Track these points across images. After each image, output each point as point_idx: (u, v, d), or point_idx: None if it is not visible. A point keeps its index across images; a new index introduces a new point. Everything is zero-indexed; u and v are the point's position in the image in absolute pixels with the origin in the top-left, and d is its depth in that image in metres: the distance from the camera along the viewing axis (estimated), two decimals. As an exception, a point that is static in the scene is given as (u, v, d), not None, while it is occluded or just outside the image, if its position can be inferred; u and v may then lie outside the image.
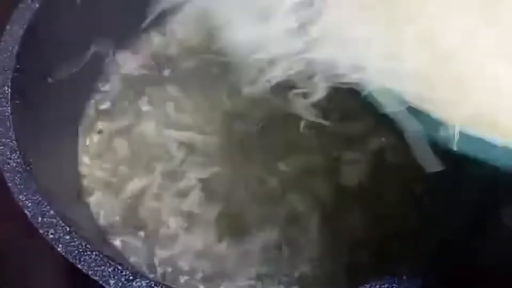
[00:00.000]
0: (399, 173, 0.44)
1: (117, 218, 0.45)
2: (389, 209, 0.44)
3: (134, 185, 0.46)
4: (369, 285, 0.31)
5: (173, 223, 0.44)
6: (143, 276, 0.31)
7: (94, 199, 0.46)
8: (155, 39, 0.54)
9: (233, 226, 0.43)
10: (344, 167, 0.45)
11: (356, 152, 0.46)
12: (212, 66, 0.50)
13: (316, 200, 0.44)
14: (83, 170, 0.47)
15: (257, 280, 0.41)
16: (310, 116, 0.35)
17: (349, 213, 0.43)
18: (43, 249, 0.33)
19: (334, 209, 0.44)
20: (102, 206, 0.45)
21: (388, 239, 0.42)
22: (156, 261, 0.43)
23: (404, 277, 0.31)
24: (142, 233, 0.44)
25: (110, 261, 0.32)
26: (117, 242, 0.44)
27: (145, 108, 0.50)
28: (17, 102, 0.38)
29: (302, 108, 0.34)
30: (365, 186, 0.45)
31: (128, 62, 0.52)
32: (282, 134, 0.47)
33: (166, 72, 0.52)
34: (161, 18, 0.50)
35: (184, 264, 0.43)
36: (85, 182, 0.46)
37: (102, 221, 0.45)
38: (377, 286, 0.31)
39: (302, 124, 0.43)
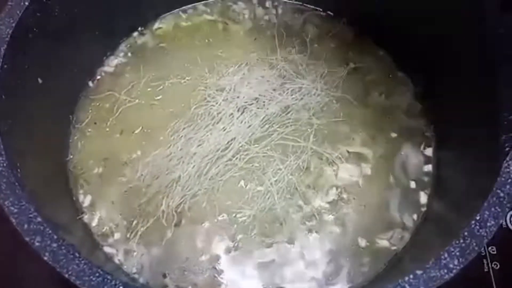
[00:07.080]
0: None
1: (111, 222, 0.44)
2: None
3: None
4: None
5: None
6: (133, 287, 0.30)
7: (86, 203, 0.44)
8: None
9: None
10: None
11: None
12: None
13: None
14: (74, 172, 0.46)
15: None
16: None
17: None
18: (30, 258, 0.32)
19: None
20: (95, 210, 0.44)
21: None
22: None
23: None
24: (136, 237, 0.43)
25: (99, 271, 0.30)
26: (110, 249, 0.43)
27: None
28: (5, 102, 0.36)
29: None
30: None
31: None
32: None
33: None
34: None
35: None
36: (76, 185, 0.45)
37: (94, 226, 0.43)
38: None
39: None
